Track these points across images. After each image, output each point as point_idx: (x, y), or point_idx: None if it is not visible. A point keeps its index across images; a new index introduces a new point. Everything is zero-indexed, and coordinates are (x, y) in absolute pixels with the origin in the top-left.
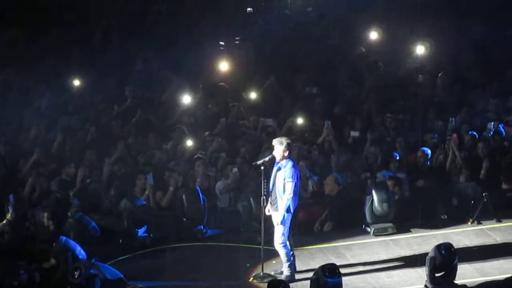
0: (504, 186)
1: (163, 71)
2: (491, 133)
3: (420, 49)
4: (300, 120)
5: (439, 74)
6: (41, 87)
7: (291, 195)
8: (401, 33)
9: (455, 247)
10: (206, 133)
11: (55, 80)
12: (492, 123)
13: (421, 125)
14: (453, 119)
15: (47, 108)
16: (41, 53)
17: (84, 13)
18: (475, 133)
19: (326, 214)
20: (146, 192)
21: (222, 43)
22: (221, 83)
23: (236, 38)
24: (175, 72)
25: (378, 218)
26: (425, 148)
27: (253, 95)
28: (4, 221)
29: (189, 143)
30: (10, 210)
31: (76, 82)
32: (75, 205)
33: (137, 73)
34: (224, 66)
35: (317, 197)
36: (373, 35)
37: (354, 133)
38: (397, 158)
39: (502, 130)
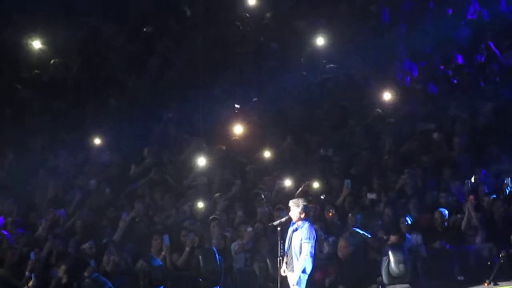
0: None
1: (181, 133)
2: (509, 188)
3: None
4: (316, 184)
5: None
6: (56, 147)
7: (308, 256)
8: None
9: None
10: (217, 194)
11: (70, 140)
12: (510, 178)
13: (437, 185)
14: (469, 180)
15: (63, 168)
16: (57, 112)
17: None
18: (492, 195)
19: (337, 276)
20: (163, 253)
21: (237, 106)
22: (236, 145)
23: (254, 99)
24: (192, 134)
25: (394, 279)
26: (442, 209)
27: (268, 156)
28: None
29: (201, 204)
30: (33, 277)
31: (93, 142)
32: (91, 265)
33: (155, 134)
34: (238, 129)
35: (333, 258)
36: (391, 94)
37: (371, 195)
38: (408, 220)
39: None
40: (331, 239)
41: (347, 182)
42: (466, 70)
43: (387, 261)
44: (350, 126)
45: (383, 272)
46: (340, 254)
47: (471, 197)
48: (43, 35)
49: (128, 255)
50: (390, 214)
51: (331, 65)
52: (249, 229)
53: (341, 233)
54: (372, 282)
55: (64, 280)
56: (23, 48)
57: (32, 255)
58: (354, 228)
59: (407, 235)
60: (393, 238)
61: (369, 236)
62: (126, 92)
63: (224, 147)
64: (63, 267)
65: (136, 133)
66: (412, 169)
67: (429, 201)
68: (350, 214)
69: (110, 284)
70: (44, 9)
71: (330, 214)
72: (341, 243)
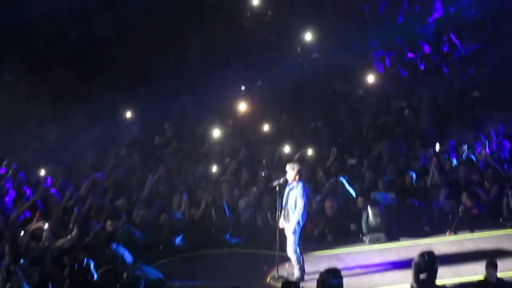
0: (467, 204)
1: (197, 109)
2: (465, 154)
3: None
4: (309, 151)
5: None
6: (95, 121)
7: (302, 210)
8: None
9: (436, 254)
10: (227, 160)
11: (106, 115)
12: (466, 145)
13: (407, 152)
14: (432, 148)
15: (100, 138)
16: (95, 93)
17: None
18: (453, 160)
19: (324, 228)
20: (182, 208)
21: (243, 87)
22: (242, 120)
23: (258, 82)
24: (206, 110)
25: (372, 229)
26: (412, 172)
27: (268, 129)
28: (69, 237)
29: (214, 168)
30: (75, 228)
31: (125, 116)
32: (123, 218)
33: (175, 110)
34: (243, 106)
35: (321, 213)
36: (370, 78)
37: (352, 160)
38: (385, 180)
39: (473, 156)
40: (318, 198)
41: (334, 149)
42: (431, 58)
43: (366, 215)
44: (337, 104)
45: (363, 224)
46: (327, 212)
47: (434, 159)
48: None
49: (154, 210)
50: (370, 176)
51: (316, 54)
52: (254, 189)
53: (328, 192)
54: (354, 232)
55: (109, 229)
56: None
57: (75, 210)
58: (340, 178)
59: (383, 193)
60: (359, 200)
61: (353, 193)
62: (152, 75)
63: (232, 122)
64: (109, 222)
65: (159, 110)
66: (388, 139)
67: (401, 165)
68: (332, 179)
69: (138, 234)
70: None
71: (319, 174)
72: (327, 203)
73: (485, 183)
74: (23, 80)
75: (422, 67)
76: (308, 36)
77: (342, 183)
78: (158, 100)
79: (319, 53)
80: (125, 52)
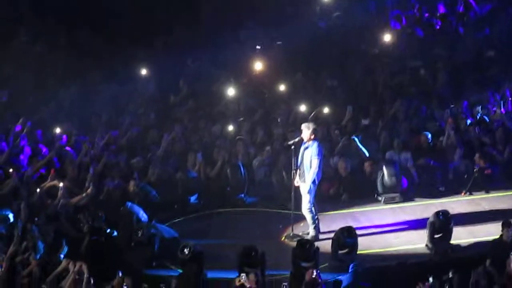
0: (481, 164)
1: (212, 68)
2: (479, 114)
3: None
4: (326, 110)
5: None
6: (111, 79)
7: (317, 169)
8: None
9: (451, 214)
10: (242, 118)
11: (123, 74)
12: (480, 106)
13: (423, 112)
14: (449, 109)
15: (115, 97)
16: (112, 51)
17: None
18: (468, 120)
19: (339, 188)
20: (196, 167)
21: (258, 47)
22: (257, 78)
23: (277, 42)
24: (222, 68)
25: (387, 189)
26: (427, 132)
27: (283, 88)
28: (84, 195)
29: (229, 127)
30: (91, 186)
31: (141, 74)
32: (135, 178)
33: (190, 68)
34: (258, 65)
35: (336, 174)
36: (385, 37)
37: (365, 121)
38: (400, 139)
39: (486, 117)
40: (335, 159)
41: (349, 108)
42: (447, 18)
43: (381, 175)
44: (352, 63)
45: (378, 183)
46: (340, 172)
47: (450, 119)
48: None
49: (169, 169)
50: (385, 136)
51: (337, 13)
52: (267, 148)
53: (341, 152)
54: (369, 192)
55: (132, 188)
56: None
57: (91, 170)
58: (353, 138)
59: (393, 155)
60: (366, 165)
61: (366, 153)
62: (169, 34)
63: (247, 80)
64: (132, 182)
65: (175, 68)
66: (403, 98)
67: (416, 125)
68: (344, 139)
69: (154, 192)
70: None
71: (334, 133)
72: (340, 163)
73: (498, 144)
74: (41, 40)
75: (438, 27)
76: None
77: (355, 143)
78: (174, 58)
79: (338, 11)
80: (141, 10)
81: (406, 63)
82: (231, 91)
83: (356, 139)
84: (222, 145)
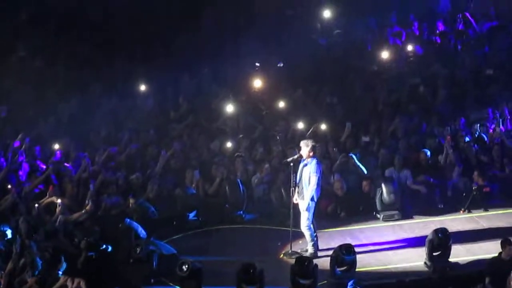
0: (479, 182)
1: (212, 85)
2: (477, 132)
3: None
4: (323, 126)
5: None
6: (111, 94)
7: (315, 186)
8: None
9: (450, 231)
10: (241, 135)
11: (122, 88)
12: (479, 124)
13: (422, 129)
14: (448, 126)
15: (114, 112)
16: (112, 65)
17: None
18: (466, 138)
19: (336, 205)
20: (195, 184)
21: (257, 64)
22: (256, 95)
23: (278, 63)
24: (222, 85)
25: (386, 206)
26: (426, 150)
27: (282, 104)
28: (83, 211)
29: (228, 143)
30: (90, 203)
31: (140, 89)
32: (131, 196)
33: (190, 85)
34: (257, 83)
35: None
36: (385, 54)
37: (365, 138)
38: (399, 157)
39: (485, 135)
40: (334, 176)
41: (348, 124)
42: (447, 35)
43: (380, 192)
44: (351, 80)
45: (377, 201)
46: (337, 192)
47: (448, 137)
48: None
49: (168, 185)
50: (384, 153)
51: (338, 30)
52: (266, 166)
53: (338, 169)
54: (368, 209)
55: (131, 205)
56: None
57: (91, 186)
58: (351, 155)
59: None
60: (364, 184)
61: (364, 171)
62: (169, 50)
63: (246, 97)
64: (131, 200)
65: (175, 84)
66: (402, 116)
67: (416, 142)
68: (341, 156)
69: (152, 209)
70: None
71: (332, 150)
72: (336, 184)
73: (497, 162)
74: (40, 54)
75: (437, 45)
76: (326, 13)
77: (353, 160)
78: (174, 73)
79: (338, 28)
80: (142, 24)
81: (406, 80)
82: (230, 108)
83: (354, 157)
84: (220, 162)
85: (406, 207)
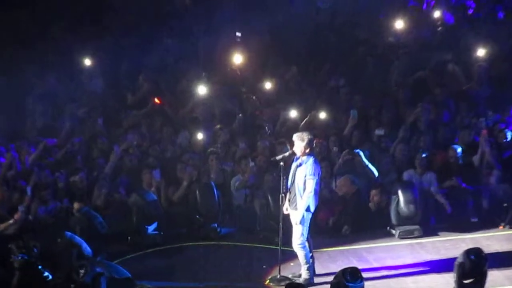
0: None
1: (180, 60)
2: None
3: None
4: (323, 115)
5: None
6: (47, 72)
7: (312, 193)
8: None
9: (485, 253)
10: (218, 126)
11: (61, 65)
12: None
13: (451, 120)
14: (486, 116)
15: (53, 95)
16: (50, 37)
17: None
18: (509, 131)
19: (340, 216)
20: (153, 189)
21: (238, 34)
22: (237, 75)
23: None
24: (191, 61)
25: (403, 220)
26: (456, 146)
27: (271, 86)
28: (11, 221)
29: (200, 136)
30: (20, 210)
31: (84, 65)
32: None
33: (152, 60)
34: (238, 58)
35: (338, 197)
36: (403, 23)
37: (379, 131)
38: (423, 156)
39: None
40: (336, 179)
41: (354, 112)
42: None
43: (396, 201)
44: (360, 55)
45: (392, 212)
46: (340, 192)
47: (484, 131)
48: None
49: (121, 189)
50: (402, 151)
51: None
52: (251, 163)
53: (341, 170)
54: (379, 223)
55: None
56: None
57: (28, 190)
58: (357, 151)
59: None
60: (373, 193)
61: (374, 172)
62: (122, 15)
63: (224, 76)
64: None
65: (131, 59)
66: (426, 102)
67: (442, 137)
68: (344, 153)
69: (100, 219)
70: None
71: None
72: (342, 181)
73: None
74: None
75: (472, 11)
76: None
77: (360, 159)
78: (131, 47)
79: None
80: None
81: (431, 56)
82: (202, 90)
83: (362, 154)
84: (189, 160)
85: (429, 220)
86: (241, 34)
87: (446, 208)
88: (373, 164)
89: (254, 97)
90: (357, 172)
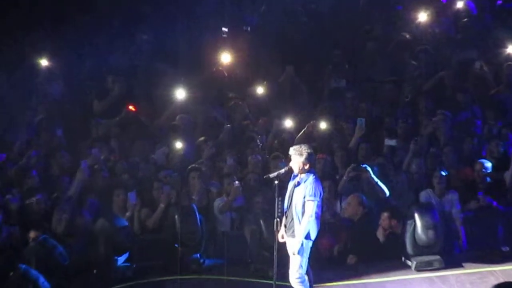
0: None
1: (157, 60)
2: None
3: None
4: (323, 124)
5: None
6: None
7: (312, 217)
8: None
9: None
10: (201, 138)
11: (14, 67)
12: None
13: (478, 131)
14: None
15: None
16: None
17: None
18: None
19: (346, 244)
20: (128, 213)
21: (225, 29)
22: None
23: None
24: (169, 61)
25: (421, 249)
26: (483, 161)
27: (263, 90)
28: None
29: (180, 150)
30: None
31: (42, 65)
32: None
33: (124, 60)
34: (225, 57)
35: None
36: (421, 16)
37: (390, 141)
38: (443, 174)
39: None
40: (342, 200)
41: (361, 121)
42: None
43: (412, 226)
44: (370, 54)
45: (407, 240)
46: (348, 213)
47: None
48: None
49: (85, 214)
50: (419, 166)
51: None
52: (236, 183)
53: (345, 189)
54: (392, 253)
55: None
56: None
57: None
58: (364, 166)
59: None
60: (383, 218)
61: (385, 191)
62: (87, 7)
63: (209, 79)
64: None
65: (98, 59)
66: (447, 109)
67: (467, 150)
68: (349, 169)
69: (61, 249)
70: None
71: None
72: (350, 199)
73: None
74: None
75: (501, 1)
76: None
77: (368, 175)
78: (99, 44)
79: None
80: None
81: (453, 54)
82: (181, 94)
83: (369, 169)
84: (167, 179)
85: (452, 249)
86: (229, 29)
87: (460, 240)
88: (384, 182)
89: (243, 103)
90: (365, 191)
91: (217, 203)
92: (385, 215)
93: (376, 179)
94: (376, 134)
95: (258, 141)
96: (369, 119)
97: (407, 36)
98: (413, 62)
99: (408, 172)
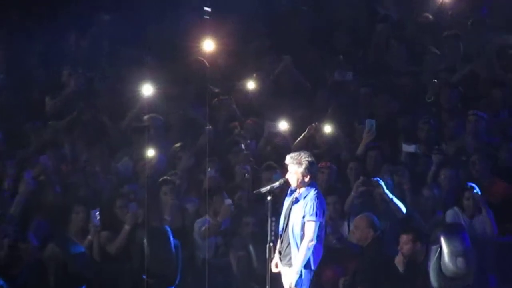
0: None
1: (122, 47)
2: None
3: None
4: (328, 128)
5: None
6: None
7: (314, 241)
8: None
9: None
10: (177, 144)
11: None
12: None
13: None
14: None
15: None
16: None
17: None
18: None
19: (354, 274)
20: (89, 237)
21: (208, 9)
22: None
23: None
24: (139, 49)
25: (449, 280)
26: None
27: (254, 85)
28: None
29: (151, 159)
30: None
31: None
32: None
33: (82, 47)
34: (208, 44)
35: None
36: None
37: (409, 147)
38: (474, 188)
39: None
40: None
41: (371, 122)
42: None
43: (437, 253)
44: (385, 42)
45: (432, 270)
46: (357, 237)
47: None
48: None
49: (32, 237)
50: (444, 179)
51: None
52: (228, 201)
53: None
54: (412, 285)
55: None
56: None
57: None
58: (377, 179)
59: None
60: (403, 241)
61: (402, 209)
62: None
63: (186, 71)
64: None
65: (51, 48)
66: (476, 110)
67: (505, 159)
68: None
69: (1, 282)
70: None
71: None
72: (358, 221)
73: None
74: None
75: None
76: None
77: (381, 191)
78: (50, 28)
79: None
80: None
81: (488, 41)
82: (148, 90)
83: (382, 183)
84: (133, 195)
85: (487, 281)
86: (212, 10)
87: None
88: (400, 199)
89: (229, 100)
90: (377, 209)
91: (199, 225)
92: (406, 238)
93: (391, 195)
94: (391, 138)
95: (243, 146)
96: (383, 120)
97: (430, 17)
98: (436, 51)
99: (435, 186)
